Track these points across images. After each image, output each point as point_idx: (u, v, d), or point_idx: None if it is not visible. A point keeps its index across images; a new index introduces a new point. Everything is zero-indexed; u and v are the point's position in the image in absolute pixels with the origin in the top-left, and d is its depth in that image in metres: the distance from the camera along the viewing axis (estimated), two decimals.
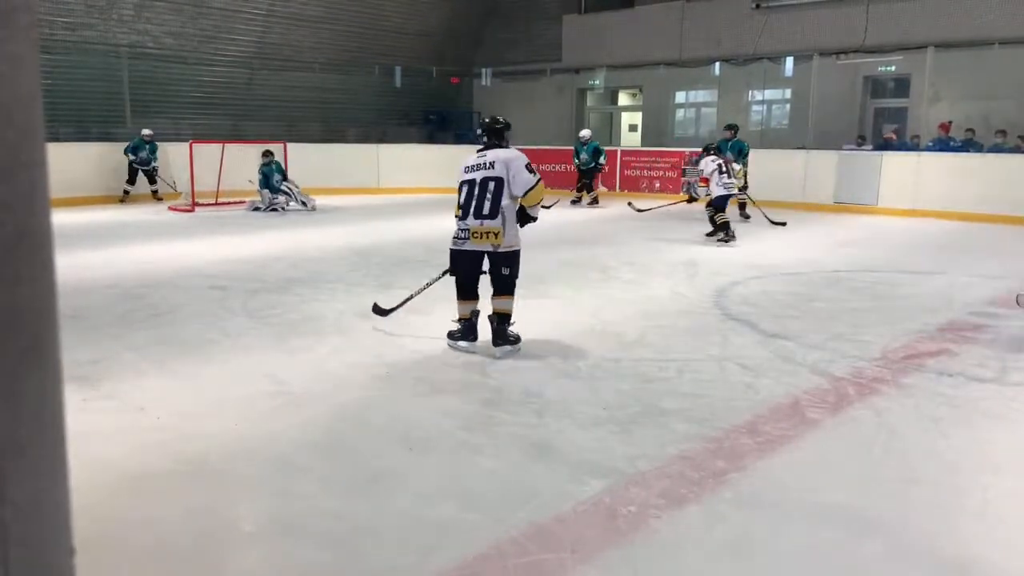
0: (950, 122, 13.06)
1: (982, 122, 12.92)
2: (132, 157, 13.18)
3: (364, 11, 17.16)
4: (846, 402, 3.82)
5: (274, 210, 12.26)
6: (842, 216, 12.62)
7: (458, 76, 19.63)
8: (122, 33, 14.49)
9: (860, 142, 14.18)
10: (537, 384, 4.01)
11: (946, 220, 11.87)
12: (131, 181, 13.29)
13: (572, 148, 16.77)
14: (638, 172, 15.77)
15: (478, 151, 4.63)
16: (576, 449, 3.21)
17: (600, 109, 19.61)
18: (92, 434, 3.20)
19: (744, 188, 11.30)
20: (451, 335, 4.71)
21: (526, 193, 4.44)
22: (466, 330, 4.63)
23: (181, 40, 15.22)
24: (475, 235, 4.42)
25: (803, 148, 14.03)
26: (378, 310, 5.23)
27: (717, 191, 9.26)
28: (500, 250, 4.42)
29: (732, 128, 11.64)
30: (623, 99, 19.55)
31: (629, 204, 12.09)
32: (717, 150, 9.64)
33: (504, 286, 4.52)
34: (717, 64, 15.90)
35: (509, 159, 4.46)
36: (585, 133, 14.07)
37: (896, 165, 12.85)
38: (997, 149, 12.48)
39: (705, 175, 9.34)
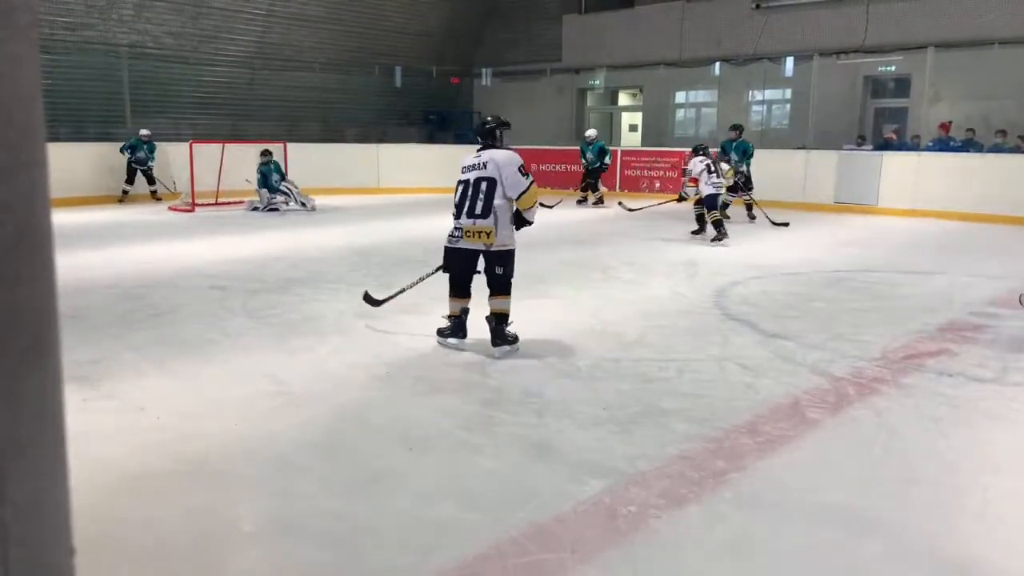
0: (950, 122, 13.06)
1: (982, 122, 12.92)
2: (128, 155, 13.18)
3: (364, 11, 17.16)
4: (846, 402, 3.82)
5: (273, 210, 12.26)
6: (842, 216, 12.62)
7: (458, 76, 19.63)
8: (122, 33, 14.49)
9: (860, 142, 14.18)
10: (537, 384, 4.02)
11: (946, 220, 11.87)
12: (130, 181, 13.30)
13: (571, 148, 16.76)
14: (638, 172, 15.77)
15: (477, 151, 4.65)
16: (576, 449, 3.21)
17: (600, 109, 19.60)
18: (92, 434, 3.20)
19: (749, 189, 11.30)
20: (440, 332, 4.74)
21: (519, 196, 4.45)
22: (455, 328, 4.67)
23: (181, 40, 15.21)
24: (468, 234, 4.45)
25: (803, 148, 14.04)
26: (369, 299, 5.25)
27: (707, 190, 9.37)
28: (493, 249, 4.44)
29: (737, 128, 11.62)
30: (623, 99, 19.54)
31: (620, 204, 12.13)
32: (705, 151, 9.73)
33: (499, 286, 4.54)
34: (717, 64, 15.90)
35: (502, 161, 4.47)
36: (591, 133, 14.10)
37: (896, 165, 12.85)
38: (997, 149, 12.48)
39: (694, 175, 9.44)
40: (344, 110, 17.57)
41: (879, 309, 5.89)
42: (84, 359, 4.28)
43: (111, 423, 3.43)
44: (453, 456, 3.16)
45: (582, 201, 13.89)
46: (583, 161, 13.98)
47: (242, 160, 12.65)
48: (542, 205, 12.81)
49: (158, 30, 14.88)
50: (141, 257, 7.86)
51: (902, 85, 14.76)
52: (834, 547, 2.49)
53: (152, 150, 13.37)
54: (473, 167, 4.53)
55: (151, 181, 13.46)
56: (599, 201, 13.77)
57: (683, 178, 10.18)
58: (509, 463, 3.09)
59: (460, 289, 4.65)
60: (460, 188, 4.54)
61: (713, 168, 9.40)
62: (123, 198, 13.31)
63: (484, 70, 19.19)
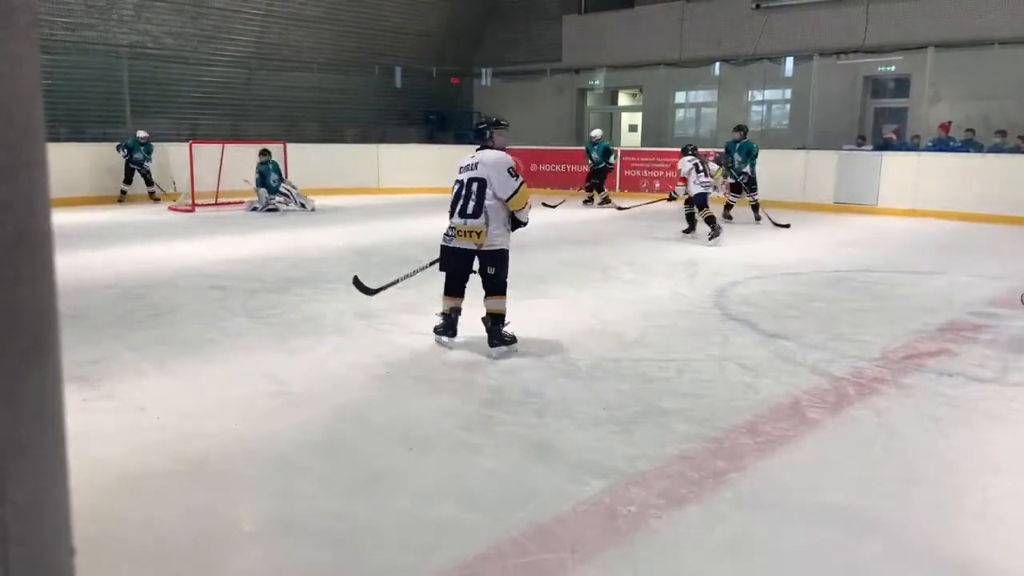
0: (950, 122, 13.06)
1: (982, 122, 12.92)
2: (125, 155, 13.16)
3: (364, 11, 17.16)
4: (846, 402, 3.82)
5: (272, 210, 12.26)
6: (842, 216, 12.62)
7: (458, 76, 19.62)
8: (122, 33, 14.49)
9: (860, 142, 14.18)
10: (537, 384, 4.02)
11: (946, 220, 11.87)
12: (127, 181, 13.29)
13: (571, 148, 16.77)
14: (638, 172, 15.77)
15: (475, 151, 4.69)
16: (576, 449, 3.21)
17: (600, 109, 19.61)
18: (92, 434, 3.20)
19: (753, 190, 11.29)
20: (435, 329, 4.79)
21: (509, 198, 4.47)
22: (445, 326, 4.71)
23: (181, 40, 15.21)
24: (460, 233, 4.50)
25: (803, 148, 14.03)
26: (360, 286, 5.25)
27: (695, 189, 9.51)
28: (484, 248, 4.47)
29: (741, 129, 11.60)
30: (623, 99, 19.54)
31: (556, 207, 12.22)
32: (693, 150, 9.89)
33: (493, 286, 4.56)
34: (717, 64, 15.90)
35: (492, 162, 4.50)
36: (596, 133, 14.12)
37: (896, 165, 12.85)
38: (997, 149, 12.48)
39: (682, 174, 9.61)
40: (344, 110, 17.56)
41: (879, 309, 5.89)
42: (84, 359, 4.28)
43: (111, 423, 3.43)
44: (453, 456, 3.16)
45: (588, 201, 13.88)
46: (589, 161, 13.99)
47: (242, 160, 12.65)
48: (545, 205, 12.84)
49: (158, 30, 14.88)
50: (141, 257, 7.86)
51: (902, 85, 14.77)
52: (834, 547, 2.49)
53: (149, 151, 13.36)
54: (468, 167, 4.57)
55: (149, 182, 13.46)
56: (605, 201, 13.78)
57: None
58: (509, 463, 3.09)
59: (453, 288, 4.69)
60: (455, 188, 4.60)
61: (701, 167, 9.58)
62: (122, 198, 13.31)
63: (484, 70, 19.19)
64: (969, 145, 12.77)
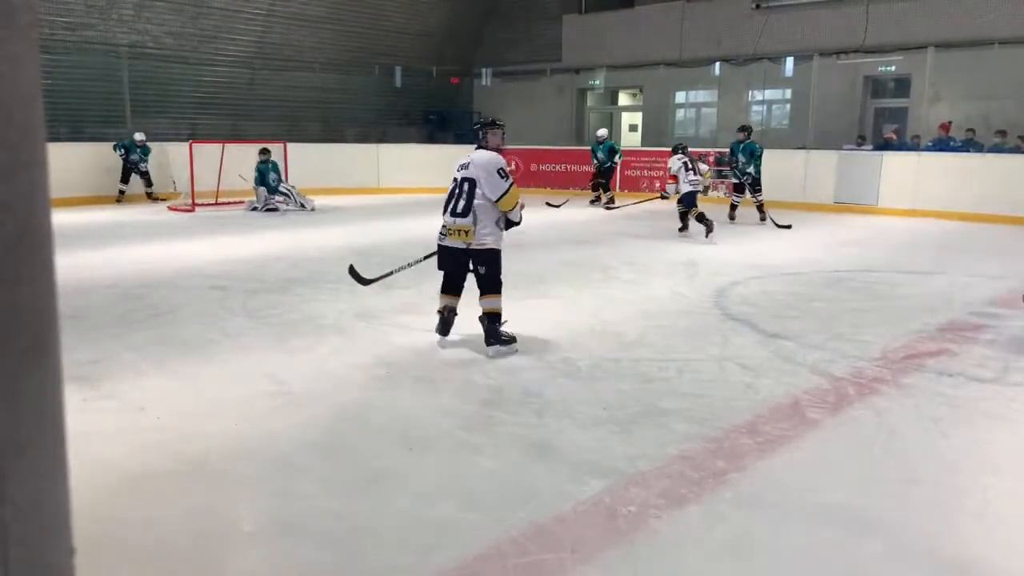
0: (950, 122, 13.06)
1: (982, 122, 12.91)
2: (121, 153, 13.15)
3: (364, 11, 17.16)
4: (846, 402, 3.82)
5: (272, 210, 12.27)
6: (842, 216, 12.62)
7: (458, 76, 19.62)
8: (122, 33, 14.49)
9: (860, 142, 14.18)
10: (537, 384, 4.02)
11: (946, 220, 11.87)
12: (124, 180, 13.27)
13: (571, 148, 16.77)
14: (638, 172, 15.77)
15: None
16: (576, 449, 3.21)
17: (600, 109, 19.60)
18: (92, 434, 3.20)
19: (757, 191, 11.28)
20: (436, 326, 4.82)
21: (499, 199, 4.49)
22: (439, 324, 4.76)
23: (181, 40, 15.21)
24: (451, 232, 4.55)
25: (803, 148, 14.03)
26: (356, 276, 5.27)
27: (685, 188, 9.68)
28: (472, 247, 4.51)
29: (745, 130, 11.58)
30: (623, 99, 19.54)
31: (560, 206, 12.22)
32: (683, 149, 10.05)
33: (486, 285, 4.58)
34: (717, 64, 15.90)
35: (482, 163, 4.54)
36: (602, 132, 14.17)
37: (896, 165, 12.85)
38: (997, 149, 12.48)
39: (673, 172, 9.82)
40: (344, 110, 17.56)
41: (879, 309, 5.89)
42: (84, 359, 4.28)
43: (111, 423, 3.43)
44: (453, 456, 3.16)
45: (595, 201, 13.87)
46: (594, 161, 14.01)
47: (242, 160, 12.66)
48: (549, 205, 12.81)
49: (158, 30, 14.88)
50: (141, 257, 7.86)
51: (902, 85, 14.76)
52: (834, 547, 2.49)
53: (146, 154, 13.32)
54: (462, 167, 4.63)
55: (148, 183, 13.43)
56: (610, 201, 13.79)
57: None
58: (509, 463, 3.09)
59: (448, 286, 4.75)
60: (451, 187, 4.65)
61: (691, 166, 9.75)
62: (120, 198, 13.28)
63: (484, 70, 19.19)
64: (969, 145, 12.77)
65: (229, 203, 12.75)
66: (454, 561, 2.35)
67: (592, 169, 14.17)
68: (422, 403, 3.76)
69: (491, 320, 4.55)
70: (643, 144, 17.49)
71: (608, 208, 11.71)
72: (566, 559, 2.39)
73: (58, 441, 0.79)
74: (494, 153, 4.60)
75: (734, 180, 11.83)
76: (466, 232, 4.48)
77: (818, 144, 14.03)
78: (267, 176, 12.39)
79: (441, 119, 19.18)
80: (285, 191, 12.52)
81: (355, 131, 17.51)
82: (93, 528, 2.41)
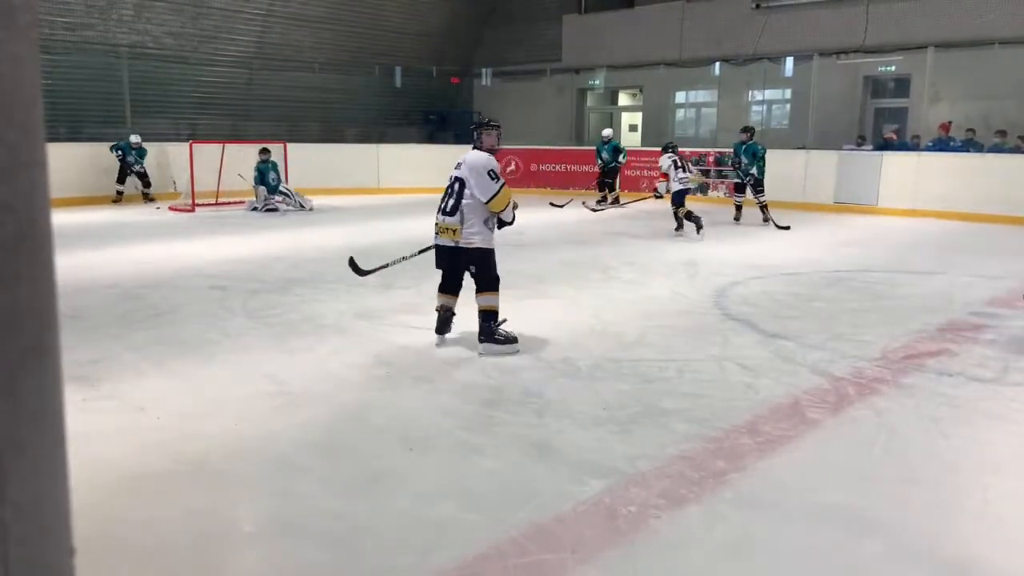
0: (950, 122, 13.06)
1: (982, 122, 12.91)
2: (118, 154, 13.12)
3: (364, 11, 17.16)
4: (846, 402, 3.82)
5: (272, 210, 12.27)
6: (842, 216, 12.62)
7: (458, 76, 19.62)
8: (122, 33, 14.49)
9: (860, 142, 14.18)
10: (537, 384, 4.02)
11: (946, 220, 11.87)
12: (121, 181, 13.24)
13: (570, 148, 16.77)
14: (638, 172, 15.76)
15: None
16: (576, 449, 3.21)
17: (600, 109, 19.61)
18: (92, 434, 3.20)
19: (758, 191, 11.28)
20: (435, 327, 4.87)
21: (489, 200, 4.52)
22: (437, 323, 4.79)
23: (181, 40, 15.21)
24: (441, 230, 4.64)
25: (803, 148, 14.03)
26: (355, 267, 5.40)
27: (675, 186, 9.86)
28: (461, 246, 4.57)
29: (748, 131, 11.57)
30: (623, 99, 19.54)
31: (564, 206, 12.20)
32: (673, 148, 10.25)
33: (481, 283, 4.64)
34: (717, 64, 15.90)
35: (474, 164, 4.58)
36: (607, 132, 14.21)
37: (896, 165, 12.85)
38: (997, 149, 12.48)
39: (663, 170, 10.04)
40: (344, 110, 17.57)
41: (879, 309, 5.89)
42: (84, 359, 4.28)
43: (111, 423, 3.43)
44: (453, 456, 3.16)
45: (602, 201, 13.86)
46: (599, 161, 14.03)
47: (242, 160, 12.66)
48: (552, 205, 12.79)
49: (158, 30, 14.88)
50: (141, 257, 7.86)
51: (902, 85, 14.76)
52: (834, 547, 2.49)
53: (142, 156, 13.26)
54: (456, 166, 4.70)
55: (146, 184, 13.39)
56: (615, 201, 13.80)
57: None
58: (509, 463, 3.09)
59: (445, 285, 4.80)
60: (446, 186, 4.71)
61: (680, 164, 9.95)
62: (117, 199, 13.25)
63: (484, 70, 19.19)
64: (969, 145, 12.77)
65: (229, 203, 12.75)
66: (454, 561, 2.35)
67: (597, 169, 14.20)
68: (422, 403, 3.76)
69: (484, 318, 4.58)
70: (643, 144, 17.48)
71: (594, 210, 11.70)
72: (566, 559, 2.39)
73: (58, 441, 0.79)
74: (487, 154, 4.64)
75: (735, 180, 11.84)
76: (453, 231, 4.55)
77: (818, 144, 14.03)
78: (267, 175, 12.40)
79: (441, 119, 19.17)
80: (285, 191, 12.54)
81: (355, 131, 17.51)
82: (93, 528, 2.41)
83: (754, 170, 11.21)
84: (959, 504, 2.80)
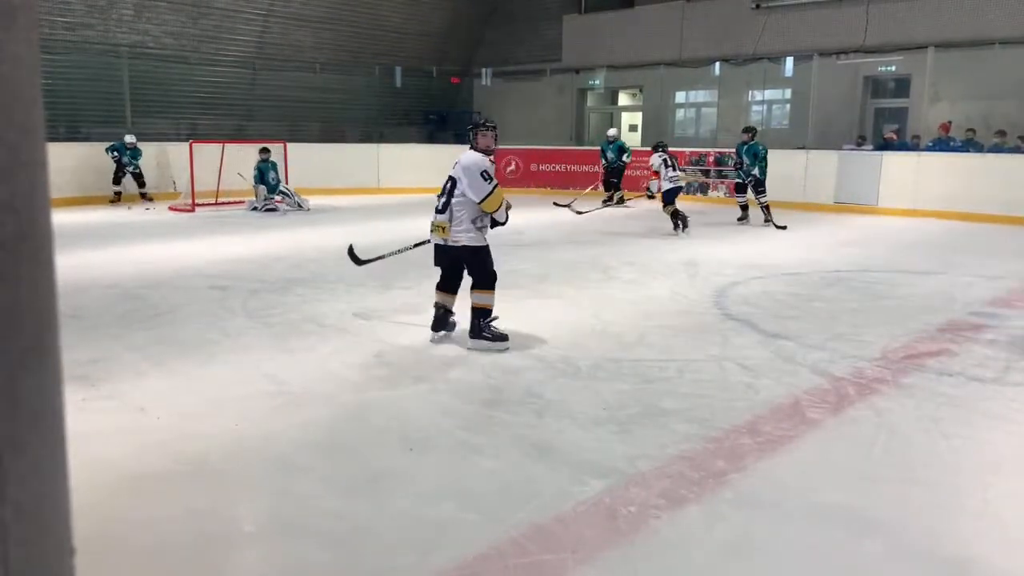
0: (950, 122, 13.06)
1: (982, 122, 12.91)
2: (114, 156, 13.09)
3: (364, 11, 17.16)
4: (846, 402, 3.82)
5: (272, 210, 12.27)
6: (842, 216, 12.62)
7: (458, 76, 19.62)
8: (122, 33, 14.49)
9: (860, 142, 14.18)
10: (537, 384, 4.02)
11: (946, 220, 11.87)
12: (116, 182, 13.20)
13: (570, 148, 16.75)
14: (638, 172, 15.75)
15: None
16: (576, 449, 3.21)
17: (600, 109, 19.60)
18: (92, 434, 3.20)
19: (759, 192, 11.28)
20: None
21: (482, 200, 4.57)
22: (433, 321, 4.85)
23: (181, 40, 15.21)
24: (433, 228, 4.73)
25: (803, 148, 14.03)
26: (353, 256, 5.58)
27: (665, 185, 10.00)
28: (450, 244, 4.64)
29: (749, 131, 11.56)
30: (623, 99, 19.54)
31: (568, 205, 12.17)
32: (663, 147, 10.39)
33: (475, 281, 4.71)
34: (717, 64, 15.89)
35: (466, 165, 4.64)
36: (612, 132, 14.24)
37: (896, 165, 12.84)
38: (997, 149, 12.48)
39: (655, 169, 10.16)
40: (344, 110, 17.57)
41: (879, 309, 5.89)
42: (84, 359, 4.28)
43: (111, 423, 3.43)
44: (453, 456, 3.16)
45: (608, 201, 13.85)
46: (603, 161, 14.04)
47: (242, 160, 12.66)
48: (556, 205, 12.79)
49: (158, 30, 14.88)
50: (141, 257, 7.86)
51: (902, 85, 14.76)
52: (834, 547, 2.49)
53: (135, 156, 13.22)
54: (453, 166, 4.75)
55: (141, 184, 13.37)
56: (620, 201, 13.81)
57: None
58: (509, 463, 3.09)
59: (442, 283, 4.88)
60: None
61: (670, 163, 10.10)
62: (115, 199, 13.21)
63: (484, 70, 19.18)
64: (969, 145, 12.76)
65: (229, 203, 12.75)
66: (454, 561, 2.35)
67: (601, 168, 14.22)
68: (422, 403, 3.76)
69: (475, 315, 4.65)
70: (643, 144, 17.46)
71: (579, 212, 11.67)
72: (566, 559, 2.39)
73: (58, 441, 0.79)
74: (480, 155, 4.68)
75: (736, 180, 11.83)
76: (443, 228, 4.65)
77: (818, 144, 14.03)
78: (267, 175, 12.40)
79: (441, 119, 19.17)
80: (285, 191, 12.54)
81: (355, 131, 17.51)
82: (93, 528, 2.41)
83: (755, 171, 11.20)
84: (959, 504, 2.80)
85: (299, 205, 12.49)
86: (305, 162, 14.19)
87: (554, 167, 16.72)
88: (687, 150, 15.33)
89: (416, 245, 5.36)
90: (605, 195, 14.05)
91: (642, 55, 16.90)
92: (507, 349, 4.57)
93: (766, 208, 11.28)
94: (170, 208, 12.42)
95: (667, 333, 5.09)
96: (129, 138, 13.20)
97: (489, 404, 3.77)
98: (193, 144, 12.49)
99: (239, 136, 14.75)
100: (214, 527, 2.58)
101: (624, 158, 13.98)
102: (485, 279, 4.68)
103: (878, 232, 10.63)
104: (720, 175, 14.77)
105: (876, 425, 3.52)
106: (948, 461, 3.17)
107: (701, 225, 11.14)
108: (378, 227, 10.77)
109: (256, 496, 2.81)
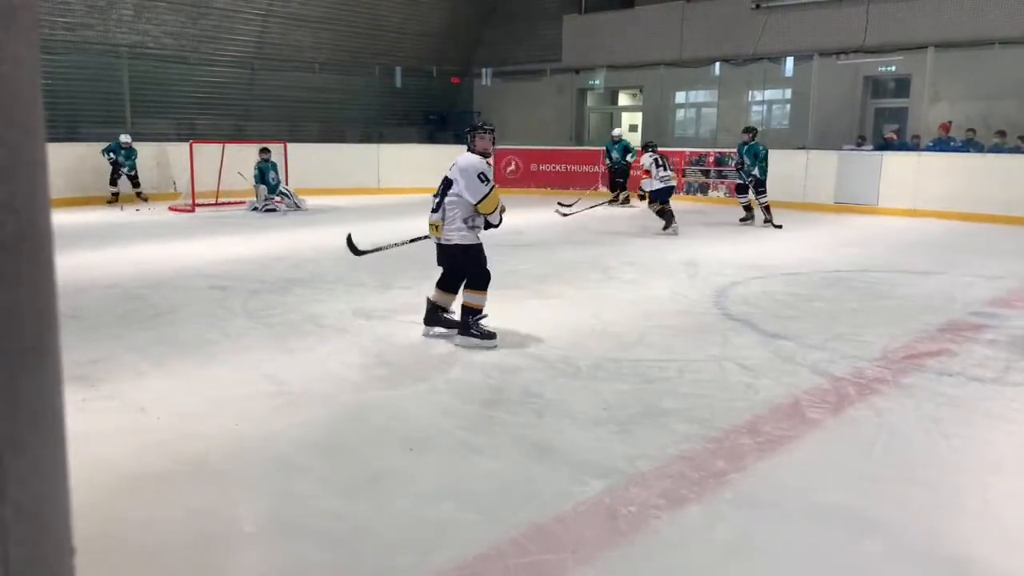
0: (950, 122, 13.06)
1: (982, 122, 12.91)
2: (110, 157, 13.05)
3: (364, 11, 17.15)
4: (846, 402, 3.82)
5: (272, 211, 12.27)
6: (842, 216, 12.62)
7: (458, 76, 19.62)
8: (122, 33, 14.49)
9: (860, 142, 14.18)
10: (537, 384, 4.02)
11: (946, 220, 11.87)
12: (113, 183, 13.16)
13: (570, 148, 16.76)
14: (639, 172, 15.73)
15: None
16: (576, 449, 3.21)
17: (600, 109, 19.60)
18: (92, 434, 3.20)
19: (759, 192, 11.27)
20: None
21: (478, 202, 4.62)
22: (424, 314, 4.96)
23: (181, 40, 15.21)
24: (429, 226, 4.82)
25: (803, 148, 14.03)
26: (352, 247, 5.74)
27: (656, 184, 10.13)
28: (442, 243, 4.74)
29: (750, 131, 11.55)
30: (623, 99, 19.54)
31: (558, 207, 12.17)
32: (653, 147, 10.58)
33: (469, 280, 4.78)
34: (717, 64, 15.89)
35: (463, 166, 4.69)
36: (617, 132, 14.34)
37: (896, 165, 12.85)
38: (997, 149, 12.48)
39: (646, 168, 10.30)
40: (344, 110, 17.56)
41: (879, 309, 5.89)
42: (84, 359, 4.28)
43: (111, 423, 3.43)
44: (453, 456, 3.16)
45: (613, 201, 13.85)
46: (607, 161, 14.06)
47: (242, 160, 12.65)
48: (560, 205, 12.87)
49: (158, 30, 14.88)
50: (141, 257, 7.86)
51: (902, 85, 14.76)
52: (834, 547, 2.49)
53: (130, 156, 13.13)
54: (450, 167, 4.80)
55: (136, 184, 13.32)
56: (625, 201, 13.81)
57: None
58: (509, 463, 3.09)
59: (441, 282, 4.95)
60: None
61: (661, 162, 10.24)
62: (113, 199, 13.16)
63: (484, 70, 19.18)
64: (969, 145, 12.76)
65: (229, 203, 12.75)
66: (454, 561, 2.35)
67: (605, 168, 14.25)
68: (422, 403, 3.76)
69: (464, 313, 4.72)
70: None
71: (564, 214, 11.66)
72: (566, 559, 2.39)
73: (58, 441, 0.79)
74: (477, 157, 4.72)
75: (736, 181, 11.83)
76: (436, 227, 4.74)
77: (818, 144, 14.03)
78: (267, 175, 12.40)
79: (441, 119, 19.17)
80: (284, 191, 12.54)
81: (355, 131, 17.50)
82: (93, 528, 2.41)
83: (756, 171, 11.20)
84: (959, 504, 2.80)
85: (296, 206, 12.49)
86: (305, 162, 14.19)
87: (554, 167, 16.72)
88: (687, 150, 15.33)
89: (413, 240, 5.51)
90: (611, 195, 14.06)
91: (642, 55, 16.90)
92: (495, 347, 4.61)
93: (766, 208, 11.28)
94: (170, 208, 12.41)
95: (667, 333, 5.09)
96: (124, 137, 13.12)
97: (489, 404, 3.77)
98: (193, 144, 12.49)
99: (238, 136, 14.74)
100: (214, 527, 2.57)
101: (628, 158, 14.01)
102: (477, 278, 4.75)
103: (878, 232, 10.63)
104: (720, 175, 14.77)
105: (876, 425, 3.52)
106: (948, 461, 3.17)
107: (701, 225, 11.15)
108: (378, 227, 10.75)
109: (256, 496, 2.81)
